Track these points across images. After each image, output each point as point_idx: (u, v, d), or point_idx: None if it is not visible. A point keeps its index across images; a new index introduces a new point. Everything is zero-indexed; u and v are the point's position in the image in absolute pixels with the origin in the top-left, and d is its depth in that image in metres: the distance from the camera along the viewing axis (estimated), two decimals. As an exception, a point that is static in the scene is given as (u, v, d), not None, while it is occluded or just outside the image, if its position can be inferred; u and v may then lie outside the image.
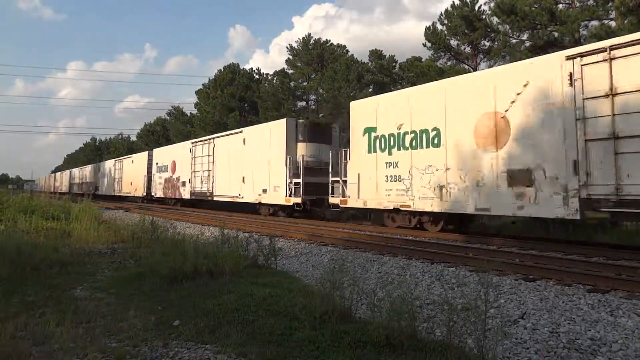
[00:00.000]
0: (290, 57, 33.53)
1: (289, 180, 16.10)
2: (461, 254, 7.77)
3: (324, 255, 8.60)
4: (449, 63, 23.43)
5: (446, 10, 22.89)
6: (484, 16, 21.01)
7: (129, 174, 33.52)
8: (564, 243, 9.23)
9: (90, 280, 6.29)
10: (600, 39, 12.42)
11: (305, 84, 32.75)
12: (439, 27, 23.11)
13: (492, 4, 18.91)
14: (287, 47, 33.93)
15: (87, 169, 47.59)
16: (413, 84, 17.03)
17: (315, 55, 31.84)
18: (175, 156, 26.26)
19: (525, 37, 18.32)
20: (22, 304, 4.92)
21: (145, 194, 30.21)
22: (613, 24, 15.53)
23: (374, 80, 27.79)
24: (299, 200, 15.65)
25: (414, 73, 23.72)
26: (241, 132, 19.72)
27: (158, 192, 28.35)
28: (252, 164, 18.31)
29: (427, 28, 23.36)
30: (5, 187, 45.60)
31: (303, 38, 32.96)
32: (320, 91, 30.11)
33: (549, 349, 3.88)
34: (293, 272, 7.47)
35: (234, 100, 35.41)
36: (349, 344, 3.64)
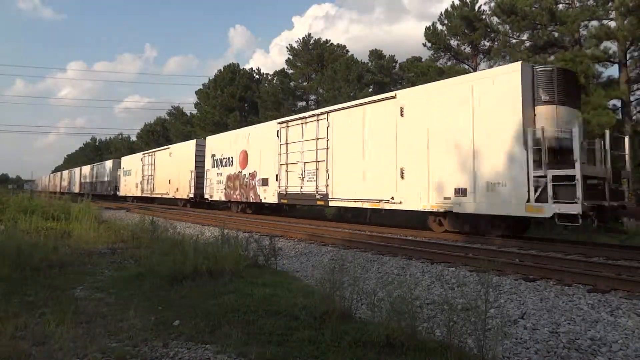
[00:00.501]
0: (290, 57, 33.55)
1: (536, 173, 8.83)
2: (461, 254, 7.78)
3: (324, 255, 8.60)
4: (449, 63, 23.45)
5: (446, 10, 22.94)
6: (484, 16, 21.04)
7: (166, 170, 27.08)
8: (564, 243, 9.23)
9: (90, 280, 6.29)
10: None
11: (305, 84, 32.77)
12: (439, 27, 23.15)
13: (492, 4, 18.94)
14: (287, 47, 33.95)
15: (104, 166, 41.10)
16: (413, 84, 16.45)
17: (315, 55, 31.86)
18: (248, 144, 19.05)
19: (525, 37, 18.34)
20: (22, 304, 4.92)
21: (192, 195, 23.84)
22: (613, 24, 15.54)
23: (374, 80, 27.82)
24: (573, 208, 8.25)
25: (414, 73, 23.74)
26: (394, 97, 12.23)
27: (215, 193, 21.29)
28: (422, 148, 11.04)
29: (427, 28, 23.41)
30: (5, 187, 45.13)
31: (303, 38, 33.01)
32: (320, 91, 30.13)
33: (549, 349, 3.88)
34: (293, 272, 7.48)
35: (234, 100, 35.44)
36: (349, 344, 3.64)
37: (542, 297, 5.20)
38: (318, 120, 14.84)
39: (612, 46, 15.87)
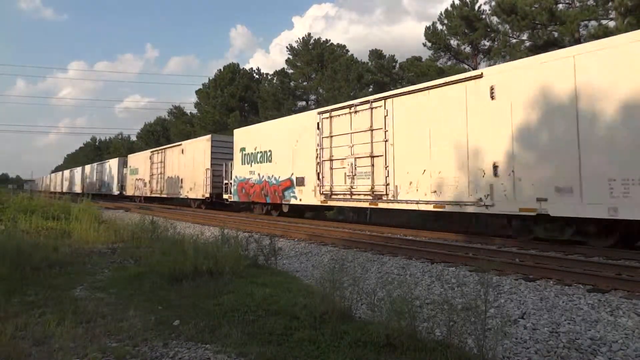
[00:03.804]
0: (290, 57, 33.57)
1: None
2: (461, 254, 7.78)
3: (324, 255, 8.60)
4: (449, 63, 23.47)
5: (446, 10, 22.93)
6: (484, 16, 21.05)
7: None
8: (564, 243, 9.22)
9: (90, 280, 6.29)
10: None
11: (305, 83, 32.79)
12: (439, 27, 23.16)
13: (492, 4, 18.95)
14: (287, 47, 33.97)
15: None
16: (413, 84, 16.19)
17: (315, 55, 31.85)
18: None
19: (525, 36, 18.36)
20: (22, 304, 4.92)
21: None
22: (612, 24, 15.55)
23: (374, 80, 27.81)
24: None
25: (414, 73, 23.74)
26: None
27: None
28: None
29: (427, 28, 23.43)
30: (5, 187, 45.02)
31: (303, 38, 33.02)
32: (320, 91, 30.15)
33: (549, 348, 3.88)
34: (293, 272, 7.47)
35: (234, 100, 35.46)
36: (349, 343, 3.64)
37: (542, 297, 5.20)
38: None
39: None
